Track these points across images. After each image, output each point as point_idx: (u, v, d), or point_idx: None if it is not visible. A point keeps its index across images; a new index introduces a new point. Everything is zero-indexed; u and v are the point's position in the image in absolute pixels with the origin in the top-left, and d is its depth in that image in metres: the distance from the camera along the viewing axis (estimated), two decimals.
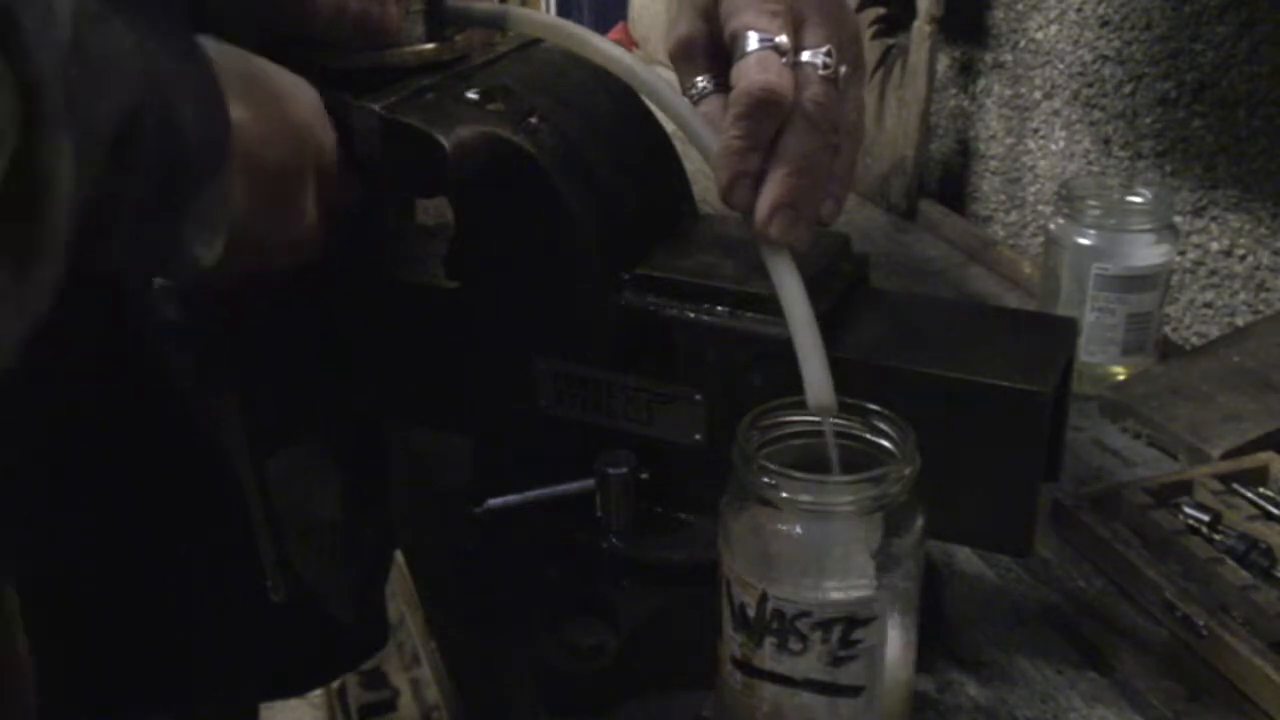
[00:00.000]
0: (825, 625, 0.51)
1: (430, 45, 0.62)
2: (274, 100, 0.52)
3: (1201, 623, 0.64)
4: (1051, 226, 0.92)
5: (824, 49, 0.56)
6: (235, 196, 0.49)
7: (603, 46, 0.60)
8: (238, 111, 0.49)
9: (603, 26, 1.96)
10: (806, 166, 0.55)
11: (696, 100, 0.61)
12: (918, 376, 0.57)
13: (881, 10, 1.29)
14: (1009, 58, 1.25)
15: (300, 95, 0.54)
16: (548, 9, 2.31)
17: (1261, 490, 0.75)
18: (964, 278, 1.15)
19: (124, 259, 0.47)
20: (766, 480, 0.51)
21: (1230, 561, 0.68)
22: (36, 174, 0.36)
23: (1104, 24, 1.12)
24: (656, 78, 0.58)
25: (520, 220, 0.61)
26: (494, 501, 0.63)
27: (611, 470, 0.60)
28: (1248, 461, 0.78)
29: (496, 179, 0.59)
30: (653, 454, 0.61)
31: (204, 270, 0.49)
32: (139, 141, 0.42)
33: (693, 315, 0.59)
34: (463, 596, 0.74)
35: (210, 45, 0.49)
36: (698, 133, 0.57)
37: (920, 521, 0.53)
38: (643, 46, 1.86)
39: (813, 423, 0.54)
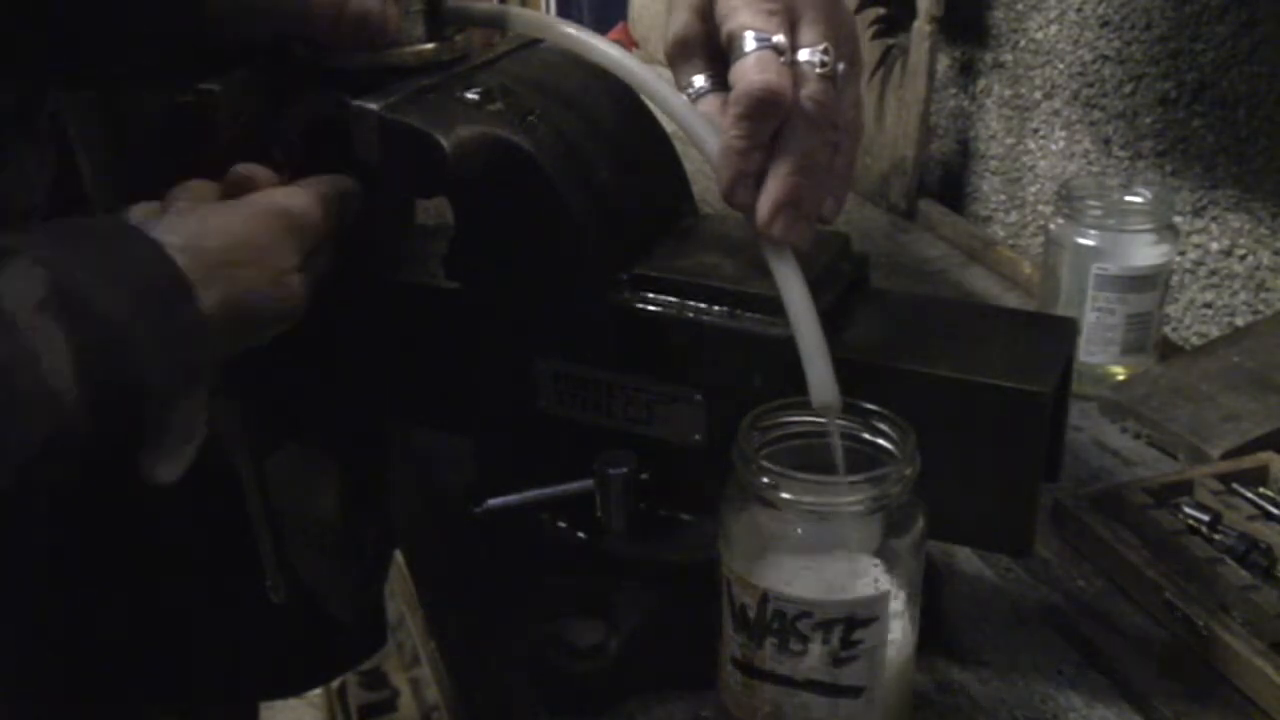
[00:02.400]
0: (825, 626, 0.51)
1: (430, 45, 0.62)
2: (252, 253, 0.54)
3: (1201, 623, 0.64)
4: (1051, 226, 0.92)
5: (821, 47, 0.56)
6: (223, 350, 0.53)
7: (602, 46, 0.60)
8: (212, 294, 0.51)
9: (603, 26, 1.95)
10: (807, 165, 0.55)
11: (694, 99, 0.61)
12: (918, 376, 0.57)
13: (881, 10, 1.29)
14: (1009, 58, 1.25)
15: (266, 239, 0.55)
16: (548, 9, 2.31)
17: (1261, 490, 0.75)
18: (964, 278, 1.15)
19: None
20: (766, 480, 0.51)
21: (1230, 561, 0.68)
22: None
23: (1104, 24, 1.11)
24: (656, 78, 0.58)
25: (520, 220, 0.61)
26: (494, 501, 0.63)
27: (611, 470, 0.60)
28: (1248, 461, 0.78)
29: (496, 179, 0.59)
30: (653, 454, 0.61)
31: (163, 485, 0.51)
32: (59, 449, 0.45)
33: (693, 315, 0.59)
34: (463, 596, 0.74)
35: (188, 244, 0.51)
36: (698, 132, 0.57)
37: (920, 521, 0.53)
38: (643, 46, 1.86)
39: (813, 423, 0.54)
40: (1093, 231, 0.89)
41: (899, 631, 0.54)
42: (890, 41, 1.29)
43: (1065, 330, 0.62)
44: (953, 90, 1.35)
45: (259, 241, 0.54)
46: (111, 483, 0.58)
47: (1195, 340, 1.05)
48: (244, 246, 0.53)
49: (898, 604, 0.53)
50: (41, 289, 0.45)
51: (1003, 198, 1.30)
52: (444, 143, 0.56)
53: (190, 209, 0.55)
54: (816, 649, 0.52)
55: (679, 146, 0.67)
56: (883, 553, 0.52)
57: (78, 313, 0.45)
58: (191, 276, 0.50)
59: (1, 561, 0.67)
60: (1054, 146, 1.21)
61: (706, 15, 0.60)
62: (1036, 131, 1.23)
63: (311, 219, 0.57)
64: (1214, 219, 1.02)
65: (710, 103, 0.62)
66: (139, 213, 0.55)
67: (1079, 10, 1.14)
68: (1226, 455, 0.79)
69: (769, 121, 0.55)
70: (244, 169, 0.58)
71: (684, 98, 0.60)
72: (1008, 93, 1.26)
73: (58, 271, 0.45)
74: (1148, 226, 0.88)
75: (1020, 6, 1.22)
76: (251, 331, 0.55)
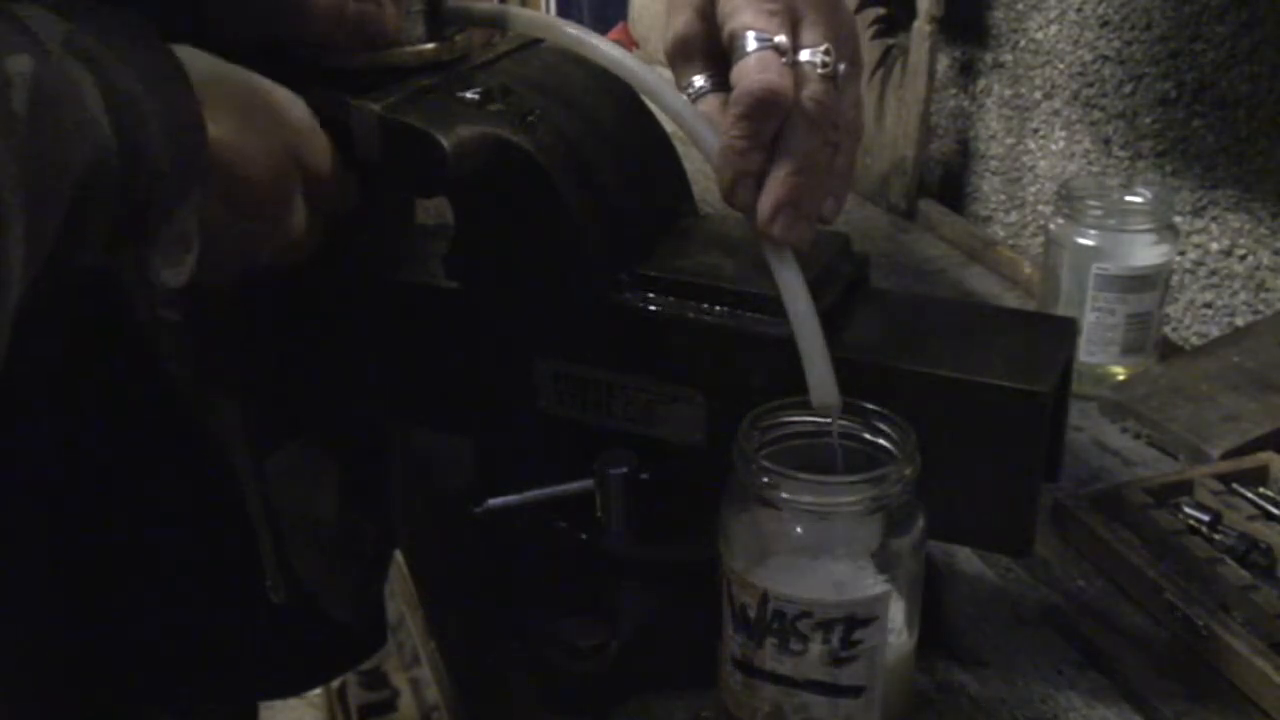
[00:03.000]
0: (826, 625, 0.51)
1: (430, 45, 0.62)
2: (257, 114, 0.52)
3: (1201, 623, 0.64)
4: (1051, 226, 0.92)
5: (822, 47, 0.56)
6: (211, 213, 0.49)
7: (602, 46, 0.60)
8: (216, 128, 0.49)
9: (603, 26, 1.95)
10: (807, 165, 0.55)
11: (694, 99, 0.61)
12: (918, 376, 0.57)
13: (881, 10, 1.29)
14: (1009, 58, 1.25)
15: (287, 108, 0.54)
16: (548, 9, 2.31)
17: (1261, 490, 0.75)
18: (964, 278, 1.15)
19: (84, 283, 0.47)
20: (766, 480, 0.51)
21: (1230, 561, 0.68)
22: None
23: (1104, 24, 1.11)
24: (656, 77, 0.58)
25: (520, 220, 0.61)
26: (494, 501, 0.63)
27: (611, 470, 0.60)
28: (1248, 461, 0.78)
29: (496, 179, 0.59)
30: (653, 454, 0.61)
31: (171, 290, 0.49)
32: (100, 190, 0.43)
33: (693, 315, 0.59)
34: (463, 596, 0.74)
35: (194, 57, 0.50)
36: (698, 132, 0.57)
37: (920, 521, 0.53)
38: (643, 46, 1.86)
39: (813, 423, 0.54)
40: (1093, 231, 0.89)
41: (899, 631, 0.54)
42: (890, 41, 1.29)
43: (1065, 330, 0.62)
44: (953, 90, 1.35)
45: (273, 100, 0.53)
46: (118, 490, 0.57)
47: (1195, 340, 1.05)
48: (258, 94, 0.52)
49: (898, 604, 0.53)
50: (63, 29, 0.43)
51: (1003, 198, 1.30)
52: (444, 143, 0.56)
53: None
54: (816, 649, 0.52)
55: (679, 146, 0.67)
56: (883, 553, 0.52)
57: (96, 63, 0.43)
58: (199, 93, 0.48)
59: (1, 562, 0.67)
60: (1054, 146, 1.21)
61: (707, 15, 0.60)
62: (1036, 131, 1.23)
63: (316, 137, 0.55)
64: (1214, 219, 1.02)
65: (710, 103, 0.62)
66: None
67: (1079, 10, 1.14)
68: (1226, 455, 0.79)
69: (770, 122, 0.55)
70: None
71: (684, 98, 0.60)
72: (1008, 93, 1.26)
73: (73, 27, 0.44)
74: (1148, 226, 0.88)
75: (1020, 6, 1.22)
76: (245, 208, 0.52)
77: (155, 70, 0.46)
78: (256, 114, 0.52)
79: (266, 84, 0.54)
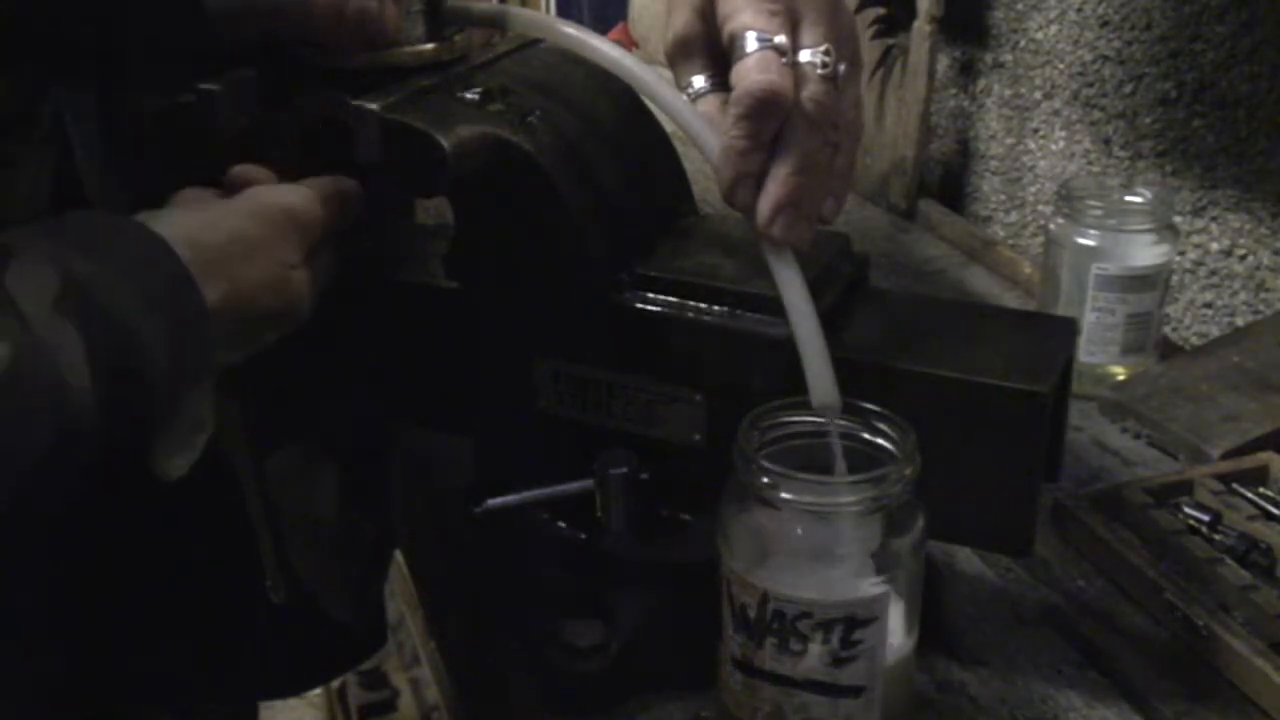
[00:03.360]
0: (825, 626, 0.51)
1: (430, 45, 0.62)
2: (255, 248, 0.54)
3: (1201, 623, 0.64)
4: (1051, 226, 0.92)
5: (822, 48, 0.56)
6: (227, 349, 0.53)
7: (602, 46, 0.60)
8: (216, 289, 0.51)
9: (603, 26, 1.95)
10: (808, 165, 0.55)
11: (694, 99, 0.61)
12: (918, 376, 0.57)
13: (881, 10, 1.29)
14: (1009, 58, 1.25)
15: (266, 232, 0.55)
16: (548, 9, 2.31)
17: (1261, 490, 0.75)
18: (964, 278, 1.15)
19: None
20: (766, 480, 0.51)
21: (1230, 561, 0.68)
22: None
23: (1104, 24, 1.11)
24: (656, 78, 0.58)
25: (520, 220, 0.61)
26: (494, 501, 0.63)
27: (611, 470, 0.60)
28: (1248, 461, 0.78)
29: (496, 179, 0.59)
30: (653, 454, 0.61)
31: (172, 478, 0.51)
32: (69, 453, 0.45)
33: (693, 315, 0.59)
34: (463, 596, 0.74)
35: (189, 237, 0.51)
36: (698, 133, 0.57)
37: (920, 521, 0.53)
38: (643, 46, 1.86)
39: (813, 423, 0.54)
40: (1093, 231, 0.89)
41: (899, 631, 0.54)
42: (890, 41, 1.29)
43: (1065, 330, 0.62)
44: (953, 90, 1.35)
45: (259, 237, 0.54)
46: (118, 483, 0.58)
47: (1195, 340, 1.05)
48: (244, 241, 0.53)
49: (898, 604, 0.53)
50: (54, 286, 0.45)
51: (1003, 198, 1.30)
52: (444, 143, 0.56)
53: (190, 206, 0.55)
54: (816, 649, 0.52)
55: (679, 146, 0.67)
56: (883, 553, 0.52)
57: (90, 308, 0.45)
58: (193, 270, 0.50)
59: (1, 561, 0.67)
60: (1054, 146, 1.21)
61: (707, 15, 0.60)
62: (1036, 131, 1.23)
63: (313, 216, 0.57)
64: (1214, 219, 1.02)
65: (710, 103, 0.62)
66: (141, 215, 0.55)
67: (1079, 10, 1.14)
68: (1226, 455, 0.79)
69: (770, 122, 0.55)
70: (242, 170, 0.58)
71: (684, 98, 0.60)
72: (1008, 93, 1.26)
73: (67, 268, 0.45)
74: (1148, 226, 0.88)
75: (1020, 6, 1.22)
76: (255, 329, 0.55)
77: (156, 281, 0.49)
78: (253, 250, 0.54)
79: (255, 208, 0.55)
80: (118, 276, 0.47)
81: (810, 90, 0.55)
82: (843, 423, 0.54)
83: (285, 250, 0.55)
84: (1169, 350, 0.95)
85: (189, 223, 0.52)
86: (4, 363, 0.42)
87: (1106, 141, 1.13)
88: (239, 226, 0.54)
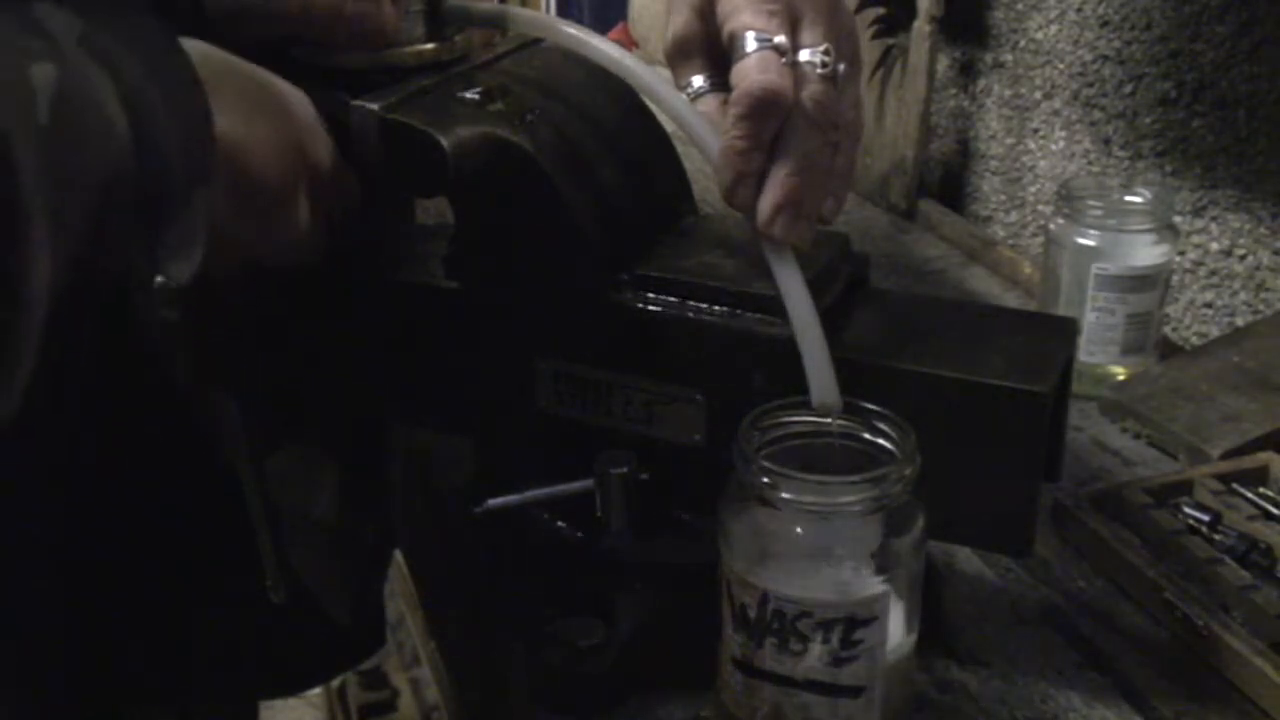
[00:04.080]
0: (826, 625, 0.51)
1: (430, 45, 0.62)
2: (265, 110, 0.53)
3: (1201, 623, 0.64)
4: (1051, 226, 0.92)
5: (822, 48, 0.56)
6: (217, 209, 0.50)
7: (602, 46, 0.60)
8: (225, 123, 0.49)
9: (603, 26, 1.95)
10: (808, 165, 0.55)
11: (693, 99, 0.61)
12: (918, 376, 0.57)
13: (881, 10, 1.29)
14: (1009, 58, 1.25)
15: (294, 104, 0.54)
16: (548, 9, 2.31)
17: (1261, 490, 0.75)
18: (964, 278, 1.15)
19: (92, 277, 0.48)
20: (766, 480, 0.51)
21: (1230, 561, 0.68)
22: (14, 297, 0.38)
23: (1104, 24, 1.11)
24: (656, 77, 0.59)
25: (520, 220, 0.61)
26: (494, 501, 0.63)
27: (611, 470, 0.60)
28: (1248, 461, 0.78)
29: (496, 179, 0.59)
30: (653, 454, 0.61)
31: (178, 286, 0.49)
32: (120, 193, 0.43)
33: (693, 315, 0.59)
34: (463, 596, 0.74)
35: (203, 52, 0.50)
36: (698, 132, 0.57)
37: (920, 521, 0.53)
38: (643, 46, 1.86)
39: (813, 423, 0.54)
40: (1093, 231, 0.89)
41: (899, 631, 0.54)
42: (890, 41, 1.29)
43: (1065, 330, 0.62)
44: (953, 90, 1.35)
45: (282, 94, 0.53)
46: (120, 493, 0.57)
47: (1195, 340, 1.05)
48: (268, 89, 0.52)
49: (898, 604, 0.53)
50: (78, 27, 0.43)
51: (1003, 198, 1.30)
52: (444, 143, 0.56)
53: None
54: (816, 649, 0.52)
55: (679, 146, 0.67)
56: (883, 553, 0.52)
57: (111, 63, 0.44)
58: (206, 82, 0.48)
59: (1, 561, 0.67)
60: (1054, 146, 1.21)
61: (706, 15, 0.60)
62: (1036, 131, 1.23)
63: (319, 134, 0.55)
64: (1214, 219, 1.02)
65: (709, 103, 0.62)
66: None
67: (1079, 10, 1.14)
68: (1226, 455, 0.79)
69: (770, 122, 0.55)
70: None
71: (684, 98, 0.60)
72: (1008, 93, 1.26)
73: (86, 25, 0.44)
74: (1148, 226, 0.88)
75: (1020, 6, 1.22)
76: (250, 203, 0.52)
77: (164, 66, 0.47)
78: (263, 109, 0.52)
79: (273, 79, 0.54)
80: (129, 47, 0.45)
81: (810, 90, 0.55)
82: (843, 422, 0.54)
83: (304, 112, 0.53)
84: (1169, 350, 0.95)
85: (220, 51, 0.51)
86: (51, 82, 0.40)
87: (1106, 141, 1.13)
88: (268, 78, 0.52)
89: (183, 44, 0.48)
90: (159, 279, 0.48)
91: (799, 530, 0.52)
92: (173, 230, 0.48)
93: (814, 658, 0.52)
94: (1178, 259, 1.03)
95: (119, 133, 0.43)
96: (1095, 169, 1.15)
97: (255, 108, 0.52)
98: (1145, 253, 0.88)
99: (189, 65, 0.48)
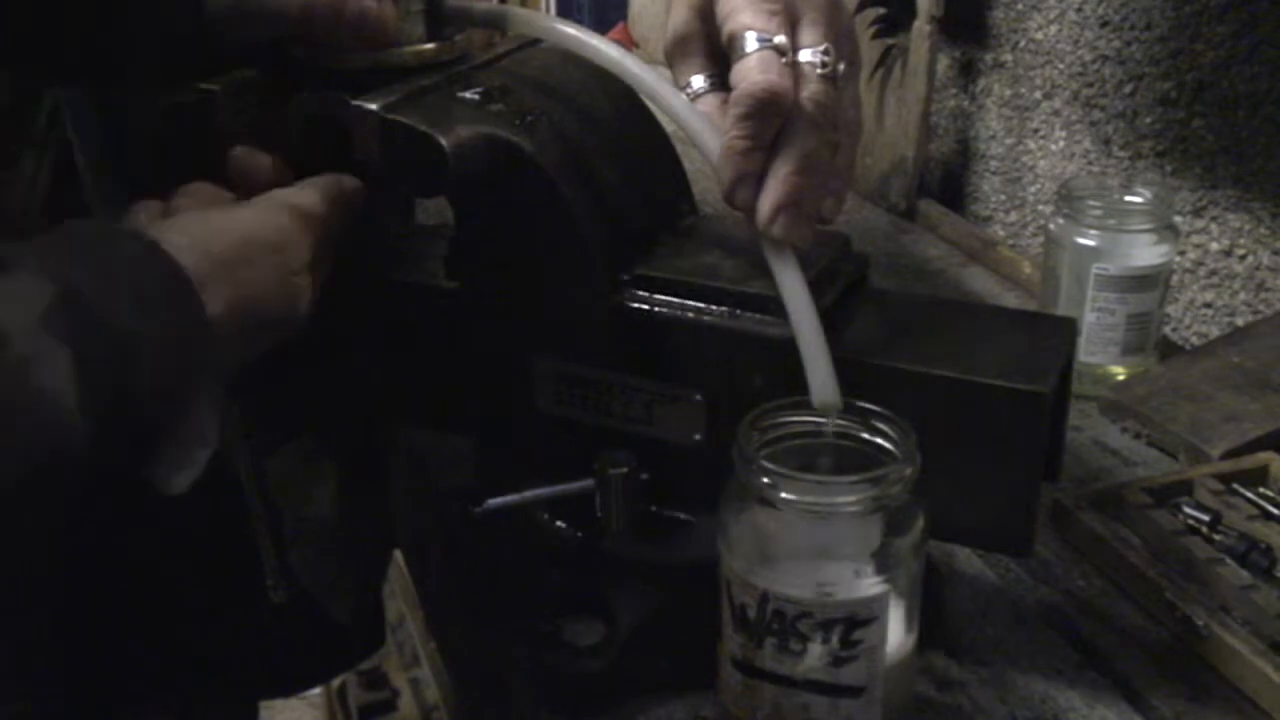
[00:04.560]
0: (825, 626, 0.51)
1: (430, 45, 0.62)
2: (261, 254, 0.53)
3: (1201, 623, 0.64)
4: (1051, 226, 0.92)
5: (822, 47, 0.56)
6: (231, 360, 0.52)
7: (602, 46, 0.60)
8: (218, 301, 0.50)
9: (603, 26, 1.96)
10: (808, 165, 0.55)
11: (693, 99, 0.61)
12: (918, 376, 0.57)
13: (881, 10, 1.29)
14: (1009, 58, 1.25)
15: (277, 237, 0.55)
16: (548, 9, 2.31)
17: (1261, 490, 0.75)
18: (964, 278, 1.15)
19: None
20: (766, 480, 0.51)
21: (1230, 561, 0.68)
22: None
23: (1104, 24, 1.11)
24: (656, 78, 0.59)
25: (520, 220, 0.60)
26: (494, 501, 0.63)
27: (611, 470, 0.60)
28: (1248, 461, 0.78)
29: (496, 179, 0.59)
30: (653, 454, 0.61)
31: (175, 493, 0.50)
32: (57, 471, 0.44)
33: (693, 315, 0.59)
34: (463, 596, 0.74)
35: (191, 232, 0.51)
36: (698, 132, 0.57)
37: (920, 521, 0.53)
38: (643, 46, 1.86)
39: (813, 423, 0.54)
40: (1093, 231, 0.89)
41: (899, 631, 0.54)
42: (890, 41, 1.29)
43: (1065, 330, 0.62)
44: (953, 90, 1.35)
45: (268, 240, 0.54)
46: (118, 495, 0.58)
47: (1195, 340, 1.05)
48: (252, 245, 0.53)
49: (898, 604, 0.53)
50: (43, 301, 0.44)
51: (1003, 198, 1.30)
52: (444, 143, 0.56)
53: (197, 209, 0.55)
54: (816, 649, 0.52)
55: (679, 146, 0.67)
56: (883, 553, 0.52)
57: (82, 322, 0.45)
58: (198, 278, 0.49)
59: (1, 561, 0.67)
60: (1054, 146, 1.21)
61: (706, 14, 0.60)
62: (1036, 131, 1.23)
63: (320, 218, 0.56)
64: (1214, 219, 1.02)
65: (709, 102, 0.62)
66: (142, 215, 0.54)
67: (1079, 10, 1.14)
68: (1226, 455, 0.79)
69: (771, 122, 0.55)
70: (244, 154, 0.58)
71: (684, 98, 0.60)
72: (1008, 93, 1.26)
73: (59, 282, 0.45)
74: (1148, 226, 0.88)
75: (1020, 6, 1.22)
76: (259, 334, 0.54)
77: (154, 290, 0.48)
78: (258, 255, 0.53)
79: (262, 214, 0.55)
80: (113, 284, 0.46)
81: (810, 90, 0.55)
82: (842, 422, 0.54)
83: (293, 253, 0.54)
84: (1169, 350, 0.95)
85: (193, 228, 0.52)
86: None
87: (1106, 141, 1.13)
88: (246, 230, 0.53)
89: (169, 236, 0.50)
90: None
91: (799, 530, 0.52)
92: (172, 439, 0.49)
93: (814, 658, 0.52)
94: (1178, 259, 1.03)
95: (60, 418, 0.44)
96: (1095, 169, 1.15)
97: (250, 263, 0.53)
98: (1145, 253, 0.88)
99: (181, 277, 0.49)
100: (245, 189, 0.58)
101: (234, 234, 0.53)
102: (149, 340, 0.46)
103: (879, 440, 0.53)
